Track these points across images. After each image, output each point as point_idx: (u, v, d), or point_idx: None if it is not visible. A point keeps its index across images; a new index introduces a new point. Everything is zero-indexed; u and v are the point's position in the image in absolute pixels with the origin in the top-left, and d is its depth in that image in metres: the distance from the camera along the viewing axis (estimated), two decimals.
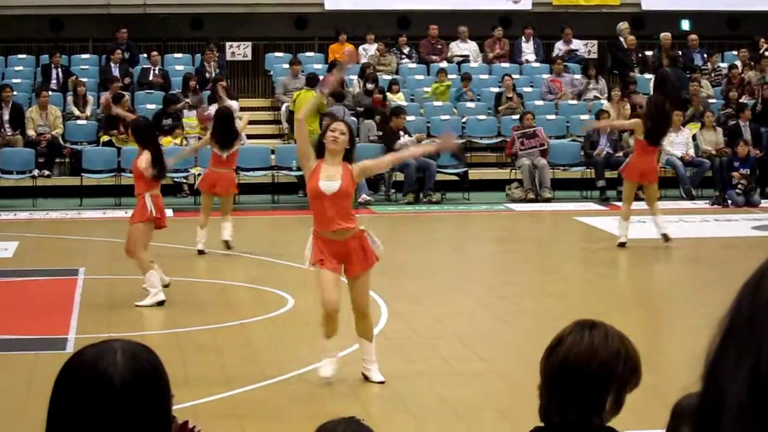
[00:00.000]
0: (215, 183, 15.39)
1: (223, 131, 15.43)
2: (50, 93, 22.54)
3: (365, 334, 9.23)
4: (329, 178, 8.95)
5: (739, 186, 20.57)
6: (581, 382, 3.16)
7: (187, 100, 22.64)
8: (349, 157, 9.09)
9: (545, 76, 25.05)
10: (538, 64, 25.79)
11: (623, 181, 16.59)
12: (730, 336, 1.24)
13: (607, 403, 3.21)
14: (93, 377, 2.31)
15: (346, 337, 9.43)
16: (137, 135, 12.76)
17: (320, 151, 9.09)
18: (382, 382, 9.18)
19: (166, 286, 12.44)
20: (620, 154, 21.82)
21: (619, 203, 20.67)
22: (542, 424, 3.25)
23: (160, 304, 12.21)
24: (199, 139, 21.90)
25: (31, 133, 21.76)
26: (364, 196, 20.64)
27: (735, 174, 20.73)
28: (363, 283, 9.10)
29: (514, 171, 21.88)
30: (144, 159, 12.28)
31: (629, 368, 3.23)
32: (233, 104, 21.08)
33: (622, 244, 15.95)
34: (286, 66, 24.40)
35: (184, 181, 21.46)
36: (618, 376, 3.21)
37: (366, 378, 9.28)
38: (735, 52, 26.02)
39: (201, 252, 15.25)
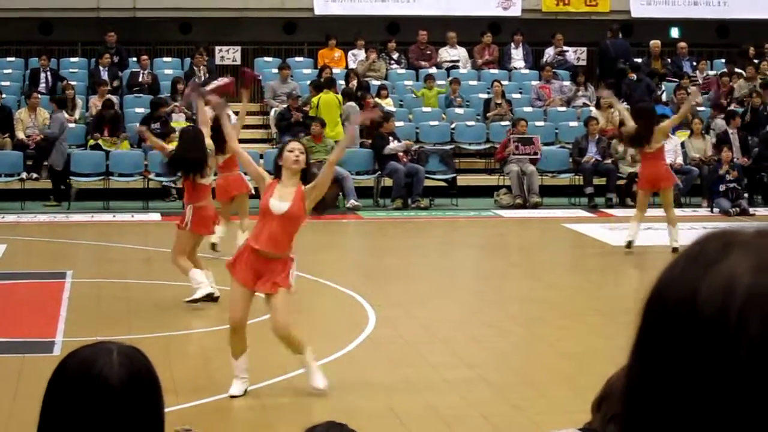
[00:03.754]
0: (229, 187, 15.15)
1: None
2: (39, 96, 22.50)
3: (296, 351, 9.04)
4: (281, 198, 8.90)
5: (740, 194, 20.75)
6: None
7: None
8: (306, 175, 9.02)
9: (534, 82, 25.08)
10: (527, 71, 25.82)
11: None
12: (682, 345, 1.24)
13: None
14: (89, 378, 2.30)
15: (328, 344, 9.42)
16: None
17: (278, 172, 9.03)
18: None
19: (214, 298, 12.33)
20: (609, 161, 21.87)
21: (607, 210, 20.89)
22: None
23: (209, 297, 12.18)
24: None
25: (20, 135, 21.71)
26: (353, 201, 20.63)
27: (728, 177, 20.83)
28: (275, 304, 8.85)
29: (502, 177, 21.88)
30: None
31: None
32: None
33: (629, 244, 15.90)
34: (275, 71, 24.41)
35: (173, 185, 21.41)
36: None
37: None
38: (724, 60, 26.09)
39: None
